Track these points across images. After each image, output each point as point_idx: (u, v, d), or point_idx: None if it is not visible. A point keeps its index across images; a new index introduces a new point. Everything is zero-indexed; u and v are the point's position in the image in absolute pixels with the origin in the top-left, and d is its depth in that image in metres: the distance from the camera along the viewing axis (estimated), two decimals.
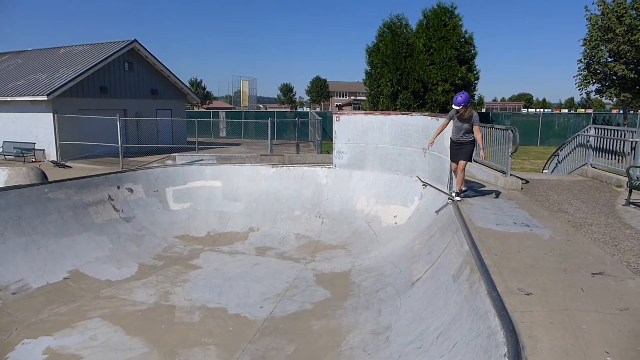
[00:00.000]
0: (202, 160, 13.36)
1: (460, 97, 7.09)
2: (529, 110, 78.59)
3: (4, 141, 21.73)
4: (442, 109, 26.45)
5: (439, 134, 7.59)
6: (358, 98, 78.93)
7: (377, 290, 6.36)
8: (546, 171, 14.33)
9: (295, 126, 26.21)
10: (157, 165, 12.28)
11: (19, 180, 10.37)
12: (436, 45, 27.14)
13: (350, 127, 10.45)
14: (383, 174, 9.95)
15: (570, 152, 12.50)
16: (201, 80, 77.40)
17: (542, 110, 67.52)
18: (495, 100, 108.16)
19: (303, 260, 8.11)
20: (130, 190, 9.66)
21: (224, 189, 10.61)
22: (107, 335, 5.44)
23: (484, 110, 50.64)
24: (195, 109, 50.15)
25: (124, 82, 24.72)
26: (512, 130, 9.07)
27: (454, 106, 7.19)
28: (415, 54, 27.06)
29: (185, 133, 27.95)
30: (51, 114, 20.69)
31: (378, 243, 8.40)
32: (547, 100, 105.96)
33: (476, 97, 32.29)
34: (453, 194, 7.66)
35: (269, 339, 5.38)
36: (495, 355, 2.99)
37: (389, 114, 10.40)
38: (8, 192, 7.82)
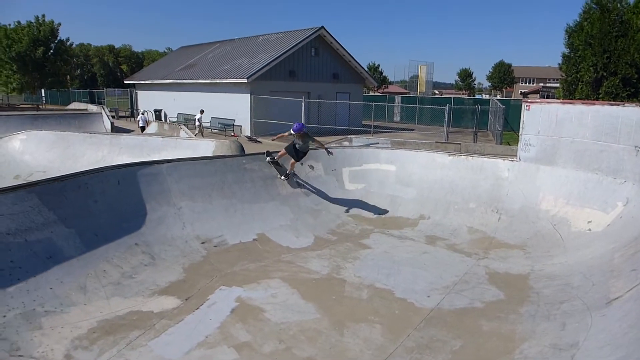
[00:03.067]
0: (377, 143, 13.63)
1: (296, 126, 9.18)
2: None
3: (211, 117, 25.52)
4: None
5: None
6: (547, 85, 70.66)
7: (561, 302, 5.68)
8: None
9: (473, 114, 24.81)
10: (335, 145, 12.96)
11: (224, 151, 12.10)
12: None
13: (542, 117, 9.40)
14: (578, 172, 8.74)
15: None
16: (379, 65, 78.61)
17: None
18: None
19: (475, 255, 7.70)
20: (312, 167, 10.42)
21: (397, 174, 10.67)
22: (286, 296, 6.02)
23: None
24: (371, 93, 51.31)
25: (310, 67, 26.59)
26: None
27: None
28: (631, 33, 22.86)
29: (361, 116, 28.87)
30: (249, 95, 23.50)
31: (564, 249, 7.48)
32: None
33: None
34: None
35: (434, 329, 5.28)
36: None
37: (593, 103, 9.03)
38: (216, 160, 9.17)
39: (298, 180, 9.86)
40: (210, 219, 7.92)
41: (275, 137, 9.83)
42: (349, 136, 17.21)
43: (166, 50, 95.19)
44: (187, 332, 5.08)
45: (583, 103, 9.18)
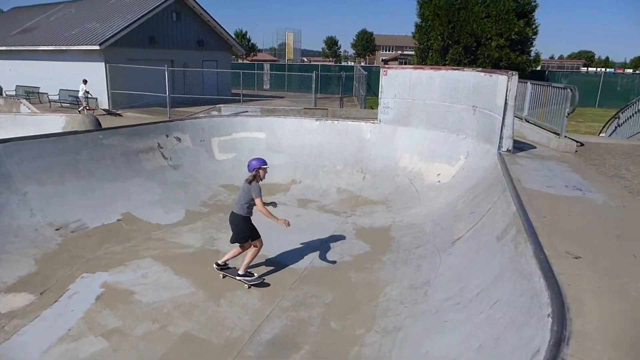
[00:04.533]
0: (247, 112, 13.47)
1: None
2: (589, 69, 73.46)
3: (60, 89, 22.64)
4: (494, 65, 25.17)
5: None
6: (405, 53, 76.18)
7: (416, 247, 6.37)
8: (603, 134, 13.55)
9: (339, 80, 25.79)
10: (203, 115, 12.50)
11: (75, 127, 10.86)
12: None
13: (398, 82, 10.16)
14: (429, 131, 9.70)
15: (633, 115, 11.70)
16: (246, 32, 76.85)
17: (603, 69, 62.98)
18: (552, 57, 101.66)
19: (344, 213, 8.18)
20: (178, 139, 9.94)
21: (267, 141, 10.72)
22: (158, 275, 5.78)
23: (539, 68, 47.78)
24: (240, 61, 50.13)
25: (172, 33, 24.89)
26: (571, 90, 8.53)
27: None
28: (470, 6, 25.60)
29: (230, 85, 28.11)
30: (103, 64, 21.25)
31: (419, 200, 8.33)
32: (610, 59, 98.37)
33: (532, 54, 30.42)
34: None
35: (308, 286, 5.55)
36: (538, 315, 2.96)
37: (440, 69, 10.00)
38: (66, 137, 8.23)
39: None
40: (65, 203, 7.14)
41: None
42: (217, 105, 16.71)
43: None
44: (45, 328, 4.61)
45: (432, 68, 10.11)
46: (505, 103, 7.73)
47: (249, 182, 5.61)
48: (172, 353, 4.30)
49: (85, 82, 20.05)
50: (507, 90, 7.71)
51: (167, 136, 9.71)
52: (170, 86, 20.01)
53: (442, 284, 4.89)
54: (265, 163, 5.82)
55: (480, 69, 9.68)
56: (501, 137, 7.85)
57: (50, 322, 4.71)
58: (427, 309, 4.54)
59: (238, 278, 5.61)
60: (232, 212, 5.64)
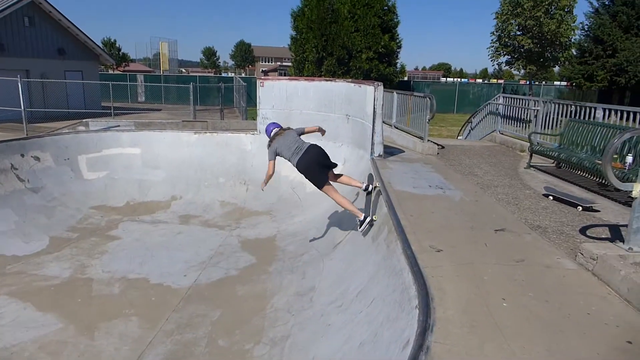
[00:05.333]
0: (119, 126, 12.57)
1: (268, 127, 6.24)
2: (447, 79, 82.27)
3: None
4: (366, 76, 26.88)
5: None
6: (284, 64, 77.58)
7: (301, 254, 6.52)
8: (461, 137, 15.24)
9: (219, 92, 25.37)
10: (67, 131, 11.36)
11: None
12: (360, 12, 27.29)
13: (275, 93, 10.33)
14: (308, 139, 9.98)
15: (482, 120, 13.36)
16: (115, 41, 71.62)
17: (458, 79, 71.03)
18: (417, 69, 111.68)
19: (228, 227, 8.06)
20: (37, 159, 8.91)
21: (143, 157, 10.12)
22: (16, 313, 5.12)
23: (406, 78, 52.25)
24: (110, 72, 46.68)
25: (25, 40, 22.30)
26: (429, 98, 9.48)
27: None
28: (340, 20, 27.05)
29: (100, 97, 25.98)
30: None
31: (303, 208, 8.55)
32: (464, 71, 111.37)
33: (398, 66, 33.14)
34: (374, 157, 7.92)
35: (193, 306, 5.36)
36: (407, 308, 3.22)
37: (313, 80, 10.39)
38: None
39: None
40: None
41: (265, 182, 6.12)
42: (85, 120, 15.33)
43: None
44: None
45: (306, 79, 10.46)
46: (374, 111, 8.30)
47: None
48: None
49: None
50: (374, 100, 8.29)
51: (22, 155, 8.65)
52: (26, 99, 17.86)
53: (326, 288, 5.08)
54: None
55: (351, 79, 10.29)
56: (373, 144, 8.40)
57: None
58: (312, 315, 4.67)
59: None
60: (302, 158, 5.62)
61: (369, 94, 8.47)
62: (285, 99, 10.23)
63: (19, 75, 17.05)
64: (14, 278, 5.96)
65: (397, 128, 11.62)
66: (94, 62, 27.14)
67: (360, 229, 5.49)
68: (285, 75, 46.82)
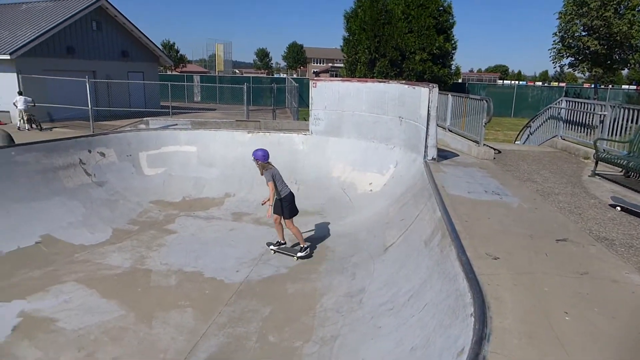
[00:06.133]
0: (176, 125, 13.10)
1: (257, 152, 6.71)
2: (504, 82, 79.41)
3: None
4: (419, 77, 26.47)
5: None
6: (336, 65, 77.94)
7: (351, 255, 6.52)
8: (518, 142, 14.67)
9: (271, 92, 25.85)
10: (129, 129, 11.98)
11: None
12: (415, 12, 26.91)
13: (327, 94, 10.40)
14: (359, 141, 10.00)
15: (542, 124, 12.80)
16: (174, 43, 74.79)
17: (516, 82, 68.35)
18: (472, 71, 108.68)
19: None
20: (102, 155, 9.46)
21: (199, 155, 10.49)
22: (83, 299, 5.45)
23: (460, 80, 50.95)
24: (169, 73, 48.71)
25: (93, 43, 23.70)
26: (486, 101, 9.20)
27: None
28: (394, 21, 26.79)
29: (159, 97, 27.23)
30: (15, 74, 19.78)
31: (353, 209, 8.54)
32: (522, 73, 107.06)
33: (453, 67, 32.38)
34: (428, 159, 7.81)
35: (245, 301, 5.49)
36: (462, 315, 3.15)
37: (366, 81, 10.37)
38: None
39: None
40: None
41: (265, 201, 6.80)
42: (145, 118, 16.10)
43: None
44: None
45: (359, 81, 10.45)
46: (428, 114, 8.17)
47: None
48: None
49: (20, 93, 18.35)
50: (429, 102, 8.15)
51: (89, 151, 9.20)
52: (92, 99, 18.99)
53: (377, 290, 5.05)
54: (255, 156, 6.74)
55: (404, 81, 10.17)
56: (426, 146, 8.27)
57: None
58: (362, 316, 4.66)
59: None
60: (290, 193, 6.88)
61: (423, 95, 8.35)
62: (338, 100, 10.27)
63: (87, 77, 18.17)
64: (81, 266, 6.36)
65: (451, 131, 11.37)
66: (154, 63, 28.44)
67: (298, 255, 6.73)
68: (336, 76, 46.99)
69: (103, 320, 4.99)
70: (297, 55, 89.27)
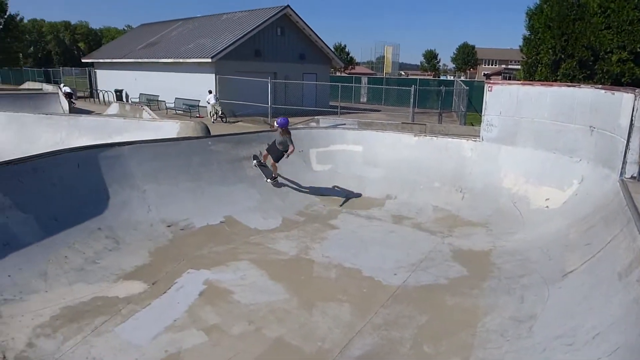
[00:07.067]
0: (344, 124, 13.66)
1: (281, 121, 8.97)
2: None
3: (175, 98, 24.86)
4: (615, 81, 22.87)
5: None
6: (509, 67, 72.30)
7: (520, 276, 5.94)
8: None
9: (438, 95, 25.18)
10: (302, 126, 12.91)
11: (188, 133, 11.83)
12: (615, 5, 23.21)
13: (504, 98, 9.63)
14: (537, 151, 9.05)
15: None
16: (345, 45, 78.07)
17: None
18: None
19: (440, 233, 7.90)
20: None
21: (364, 154, 10.75)
22: (255, 278, 6.03)
23: None
24: (338, 74, 51.12)
25: (276, 47, 26.17)
26: None
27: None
28: (587, 17, 23.55)
29: (328, 97, 28.77)
30: (214, 75, 22.97)
31: (524, 225, 7.78)
32: None
33: None
34: None
35: (401, 306, 5.42)
36: None
37: (551, 85, 9.33)
38: (180, 142, 8.98)
39: (282, 179, 9.72)
40: (176, 202, 7.78)
41: (289, 153, 8.98)
42: (316, 117, 17.16)
43: (125, 28, 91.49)
44: (155, 316, 5.02)
45: (542, 84, 9.45)
46: (631, 124, 6.96)
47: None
48: (266, 356, 4.43)
49: (210, 92, 21.63)
50: (633, 110, 6.95)
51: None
52: (272, 97, 20.99)
53: (551, 320, 4.49)
54: (279, 124, 9.03)
55: (599, 85, 8.86)
56: (624, 162, 7.07)
57: (159, 311, 5.12)
58: (532, 346, 4.20)
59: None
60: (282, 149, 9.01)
61: (625, 102, 7.16)
62: (515, 105, 9.44)
63: (269, 77, 20.11)
64: (255, 247, 7.06)
65: None
66: (326, 65, 30.14)
67: (267, 180, 9.31)
68: (509, 78, 43.52)
69: (270, 301, 5.44)
70: (467, 57, 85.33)
